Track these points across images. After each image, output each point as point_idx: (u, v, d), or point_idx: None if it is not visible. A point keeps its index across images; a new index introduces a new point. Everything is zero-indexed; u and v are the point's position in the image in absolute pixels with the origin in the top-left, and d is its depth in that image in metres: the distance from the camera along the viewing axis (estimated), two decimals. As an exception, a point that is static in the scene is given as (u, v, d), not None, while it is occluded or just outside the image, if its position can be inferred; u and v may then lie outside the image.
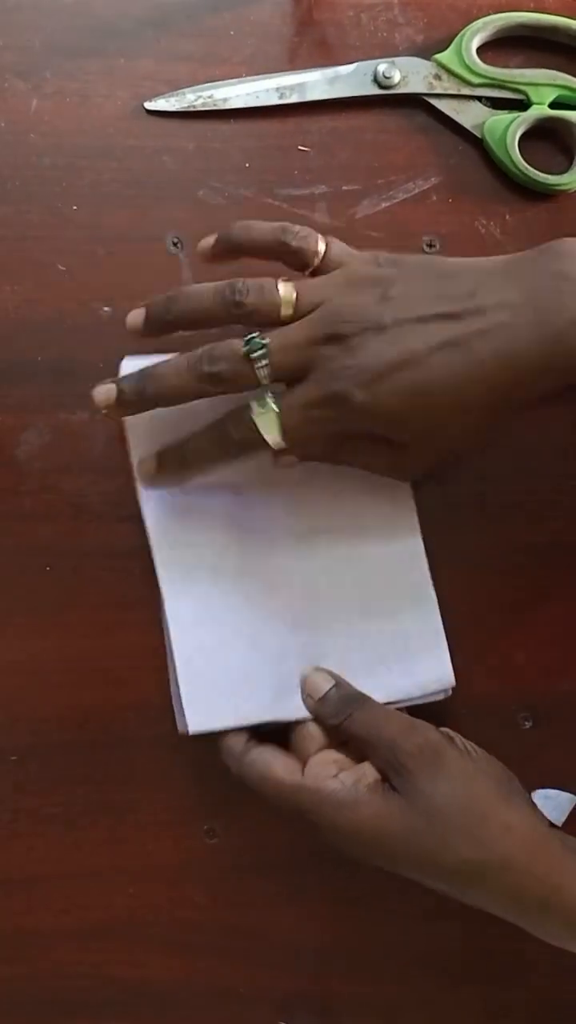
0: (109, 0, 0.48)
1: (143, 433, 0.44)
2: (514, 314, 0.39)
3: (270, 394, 0.41)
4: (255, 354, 0.40)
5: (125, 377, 0.42)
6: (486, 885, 0.39)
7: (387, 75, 0.48)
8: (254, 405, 0.41)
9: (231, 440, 0.42)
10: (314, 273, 0.43)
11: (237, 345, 0.40)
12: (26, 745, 0.46)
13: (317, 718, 0.43)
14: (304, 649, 0.45)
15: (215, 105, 0.47)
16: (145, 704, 0.46)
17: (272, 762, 0.42)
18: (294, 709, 0.44)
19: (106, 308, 0.47)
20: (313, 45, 0.49)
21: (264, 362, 0.40)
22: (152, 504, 0.45)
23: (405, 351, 0.40)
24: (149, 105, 0.48)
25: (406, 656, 0.45)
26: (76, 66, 0.48)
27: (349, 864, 0.41)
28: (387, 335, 0.40)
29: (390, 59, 0.48)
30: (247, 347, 0.40)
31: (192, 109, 0.48)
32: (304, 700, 0.44)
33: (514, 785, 0.41)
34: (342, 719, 0.42)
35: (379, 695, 0.44)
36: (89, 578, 0.46)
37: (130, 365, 0.43)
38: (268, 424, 0.41)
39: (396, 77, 0.48)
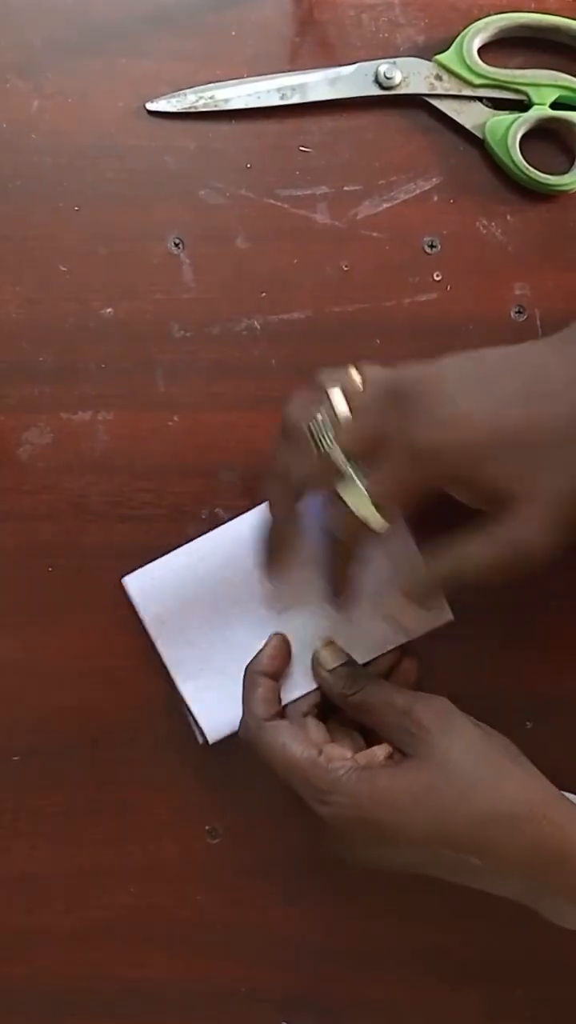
0: (110, 0, 0.49)
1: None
2: None
3: (354, 474, 0.40)
4: (317, 423, 0.40)
5: None
6: (502, 839, 0.39)
7: (388, 75, 0.48)
8: (340, 488, 0.40)
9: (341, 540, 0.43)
10: None
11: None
12: (27, 745, 0.46)
13: (327, 691, 0.44)
14: (298, 632, 0.45)
15: (216, 105, 0.47)
16: (146, 704, 0.46)
17: (289, 738, 0.41)
18: (305, 686, 0.44)
19: (107, 308, 0.47)
20: (314, 45, 0.49)
21: (329, 435, 0.40)
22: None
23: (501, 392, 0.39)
24: (150, 105, 0.48)
25: (403, 604, 0.45)
26: (77, 66, 0.48)
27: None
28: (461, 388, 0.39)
29: (391, 59, 0.48)
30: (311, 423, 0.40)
31: (193, 109, 0.48)
32: (315, 671, 0.44)
33: (518, 751, 0.42)
34: (353, 691, 0.43)
35: (388, 639, 0.45)
36: (90, 578, 0.46)
37: (134, 583, 0.45)
38: (359, 502, 0.40)
39: (397, 77, 0.48)
